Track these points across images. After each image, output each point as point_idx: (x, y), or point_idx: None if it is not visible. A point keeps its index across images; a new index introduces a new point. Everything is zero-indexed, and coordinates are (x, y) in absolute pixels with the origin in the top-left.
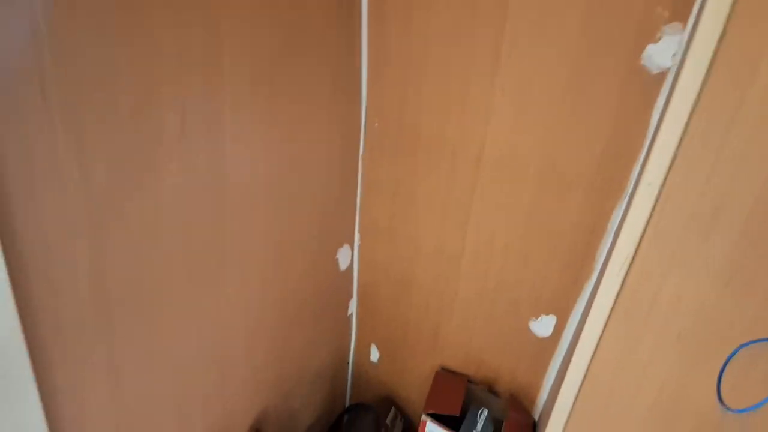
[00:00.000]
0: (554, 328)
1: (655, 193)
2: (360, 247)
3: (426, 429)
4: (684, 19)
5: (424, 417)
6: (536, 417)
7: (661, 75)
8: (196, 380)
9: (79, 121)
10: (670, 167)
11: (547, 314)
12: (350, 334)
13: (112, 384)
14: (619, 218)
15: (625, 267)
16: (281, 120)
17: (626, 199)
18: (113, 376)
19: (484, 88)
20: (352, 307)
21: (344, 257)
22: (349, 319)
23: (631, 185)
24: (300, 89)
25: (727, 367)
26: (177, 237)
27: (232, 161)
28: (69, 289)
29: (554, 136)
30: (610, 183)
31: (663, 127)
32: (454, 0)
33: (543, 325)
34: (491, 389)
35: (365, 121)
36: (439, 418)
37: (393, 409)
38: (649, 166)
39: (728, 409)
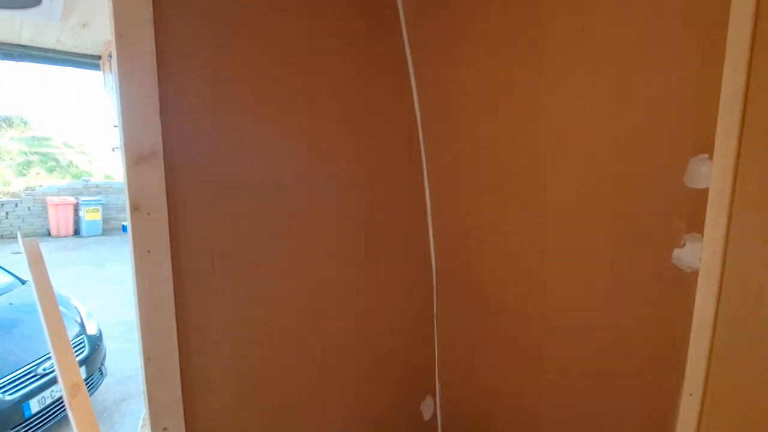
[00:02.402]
0: None
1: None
2: (441, 397)
3: None
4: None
5: None
6: None
7: (694, 275)
8: None
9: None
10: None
11: None
12: None
13: None
14: None
15: None
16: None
17: None
18: None
19: None
20: None
21: (428, 408)
22: None
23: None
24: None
25: None
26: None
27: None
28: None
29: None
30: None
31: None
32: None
33: None
34: None
35: (436, 287)
36: None
37: None
38: (688, 374)
39: None
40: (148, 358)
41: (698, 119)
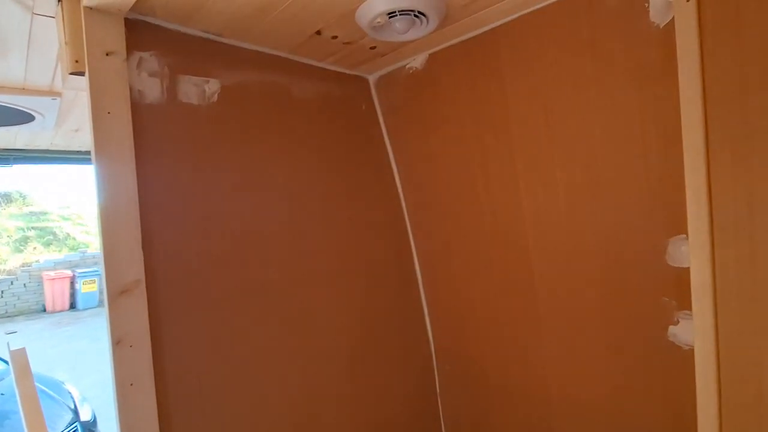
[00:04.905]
0: None
1: None
2: None
3: None
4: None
5: None
6: None
7: (692, 352)
8: None
9: None
10: None
11: None
12: None
13: None
14: None
15: None
16: None
17: None
18: None
19: None
20: None
21: None
22: None
23: None
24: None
25: None
26: None
27: None
28: None
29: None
30: None
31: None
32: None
33: None
34: None
35: (437, 367)
36: None
37: None
38: None
39: None
40: None
41: (669, 202)
